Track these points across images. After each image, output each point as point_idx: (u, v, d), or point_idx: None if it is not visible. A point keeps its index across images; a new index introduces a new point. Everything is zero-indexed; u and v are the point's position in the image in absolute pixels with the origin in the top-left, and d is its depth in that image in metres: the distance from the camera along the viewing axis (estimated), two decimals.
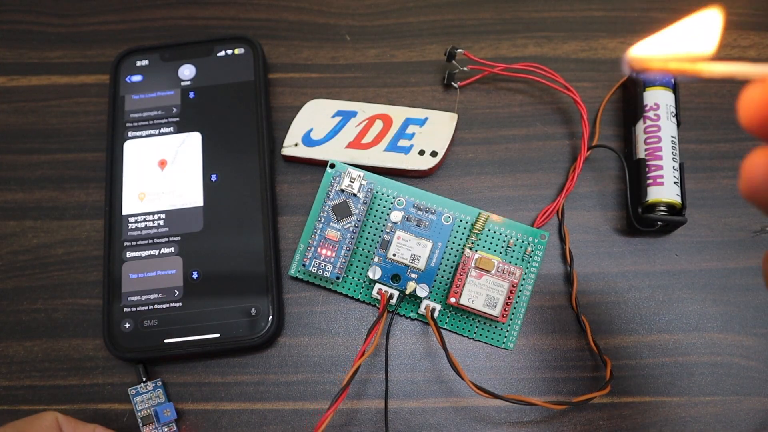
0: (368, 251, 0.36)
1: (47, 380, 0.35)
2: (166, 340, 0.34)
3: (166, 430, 0.33)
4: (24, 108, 0.40)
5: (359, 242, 0.36)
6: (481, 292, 0.33)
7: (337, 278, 0.34)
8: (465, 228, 0.36)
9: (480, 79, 0.40)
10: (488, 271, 0.33)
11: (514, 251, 0.36)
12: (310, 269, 0.34)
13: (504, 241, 0.36)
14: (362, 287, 0.35)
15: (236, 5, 0.43)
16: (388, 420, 0.34)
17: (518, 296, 0.35)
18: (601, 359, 0.34)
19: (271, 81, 0.40)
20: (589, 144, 0.38)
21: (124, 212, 0.36)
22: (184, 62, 0.40)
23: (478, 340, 0.35)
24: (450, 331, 0.35)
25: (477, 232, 0.35)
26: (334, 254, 0.34)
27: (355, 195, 0.35)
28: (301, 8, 0.43)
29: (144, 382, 0.34)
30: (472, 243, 0.35)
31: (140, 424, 0.33)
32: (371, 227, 0.36)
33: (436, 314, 0.34)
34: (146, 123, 0.38)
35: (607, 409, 0.34)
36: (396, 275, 0.34)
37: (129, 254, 0.36)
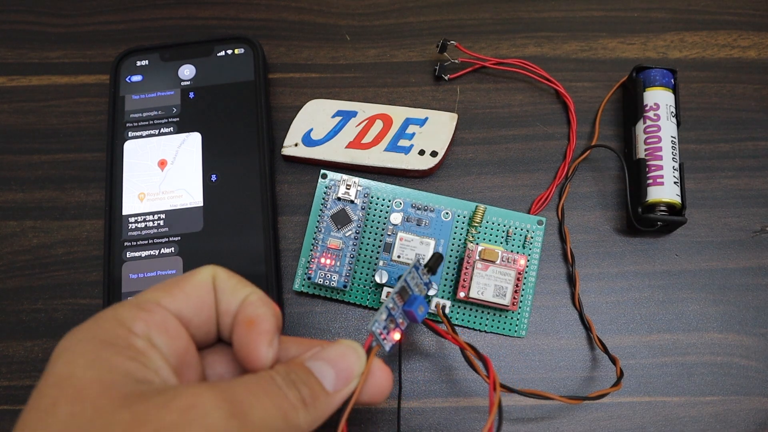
0: (371, 256, 0.35)
1: None
2: None
3: None
4: (24, 108, 0.40)
5: (361, 248, 0.36)
6: (489, 283, 0.33)
7: (345, 287, 0.34)
8: (464, 223, 0.36)
9: (472, 73, 0.40)
10: (493, 262, 0.33)
11: (514, 240, 0.36)
12: (316, 281, 0.34)
13: (503, 231, 0.36)
14: (369, 294, 0.35)
15: (236, 5, 0.43)
16: (401, 421, 0.34)
17: (524, 283, 0.35)
18: (609, 357, 0.34)
19: (271, 81, 0.40)
20: (579, 135, 0.38)
21: (124, 212, 0.36)
22: (184, 62, 0.40)
23: (491, 332, 0.35)
24: (461, 326, 0.35)
25: (476, 224, 0.35)
26: (338, 263, 0.34)
27: (352, 201, 0.35)
28: (301, 8, 0.43)
29: None
30: (473, 236, 0.35)
31: None
32: (372, 232, 0.36)
33: (446, 310, 0.34)
34: (146, 123, 0.38)
35: (607, 409, 0.34)
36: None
37: (129, 254, 0.36)
